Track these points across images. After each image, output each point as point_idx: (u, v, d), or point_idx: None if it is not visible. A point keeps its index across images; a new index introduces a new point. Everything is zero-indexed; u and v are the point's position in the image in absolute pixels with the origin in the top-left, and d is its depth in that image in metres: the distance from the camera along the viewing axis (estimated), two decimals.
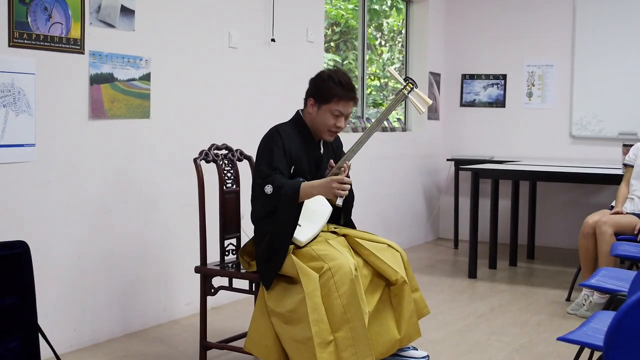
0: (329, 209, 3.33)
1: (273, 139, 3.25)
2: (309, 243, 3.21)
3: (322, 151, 3.41)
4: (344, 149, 3.54)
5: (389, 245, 3.35)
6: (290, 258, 3.09)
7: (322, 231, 3.38)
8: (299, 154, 3.28)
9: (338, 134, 3.46)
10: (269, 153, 3.22)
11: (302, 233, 3.21)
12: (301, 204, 3.16)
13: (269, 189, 3.13)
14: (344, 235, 3.39)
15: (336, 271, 3.02)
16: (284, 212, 3.12)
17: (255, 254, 3.28)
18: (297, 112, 3.42)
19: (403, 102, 7.19)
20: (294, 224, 3.14)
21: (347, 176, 3.27)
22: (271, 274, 3.14)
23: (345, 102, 3.26)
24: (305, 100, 3.35)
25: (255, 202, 3.26)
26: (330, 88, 3.24)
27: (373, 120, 3.35)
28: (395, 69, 7.53)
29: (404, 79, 3.33)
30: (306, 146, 3.33)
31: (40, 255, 3.53)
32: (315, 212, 3.29)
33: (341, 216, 3.51)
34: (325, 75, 3.29)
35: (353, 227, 3.56)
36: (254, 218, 3.29)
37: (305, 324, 2.95)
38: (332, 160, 3.36)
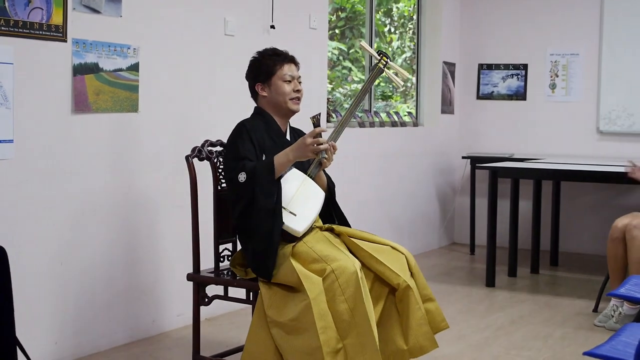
0: (321, 194, 3.38)
1: (238, 132, 3.40)
2: (305, 236, 3.25)
3: (289, 138, 3.52)
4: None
5: (392, 247, 3.34)
6: (290, 264, 3.10)
7: (318, 228, 3.39)
8: (268, 143, 3.41)
9: (300, 129, 3.63)
10: (234, 147, 3.35)
11: (298, 222, 3.25)
12: (279, 182, 3.25)
13: (242, 176, 3.25)
14: (339, 235, 3.40)
15: (340, 273, 3.03)
16: (264, 192, 3.20)
17: (246, 252, 3.32)
18: (255, 107, 3.58)
19: (414, 94, 7.19)
20: (279, 204, 3.22)
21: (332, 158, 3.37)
22: (269, 265, 3.15)
23: (288, 65, 3.49)
24: (253, 92, 3.55)
25: (235, 205, 3.34)
26: (266, 62, 3.48)
27: (350, 106, 3.44)
28: (406, 58, 7.53)
29: (377, 53, 3.52)
30: (274, 135, 3.46)
31: (19, 261, 3.53)
32: (307, 198, 3.34)
33: (332, 210, 3.55)
34: (257, 57, 3.54)
35: (346, 224, 3.57)
36: (235, 223, 3.37)
37: (311, 333, 2.95)
38: (320, 113, 3.47)
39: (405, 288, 3.21)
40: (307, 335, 2.97)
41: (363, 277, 3.09)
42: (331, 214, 3.57)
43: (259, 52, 3.55)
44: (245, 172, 3.23)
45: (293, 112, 3.50)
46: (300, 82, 3.52)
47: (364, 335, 2.98)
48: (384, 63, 3.50)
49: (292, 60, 3.53)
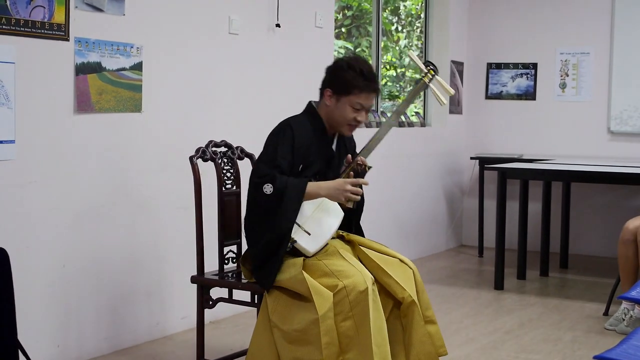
0: (341, 215, 3.32)
1: (282, 133, 3.25)
2: (316, 254, 3.21)
3: (334, 148, 3.41)
4: (356, 150, 3.54)
5: (400, 260, 3.31)
6: (301, 274, 3.07)
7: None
8: (310, 150, 3.28)
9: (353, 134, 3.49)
10: (272, 150, 3.23)
11: (311, 243, 3.19)
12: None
13: (268, 188, 3.13)
14: (350, 242, 3.38)
15: (351, 290, 3.01)
16: (285, 214, 3.12)
17: (250, 257, 3.30)
18: (310, 103, 3.41)
19: (422, 93, 7.18)
20: (292, 225, 3.15)
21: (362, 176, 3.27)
22: (270, 276, 3.14)
23: (367, 94, 3.27)
24: (322, 90, 3.35)
25: (250, 206, 3.28)
26: (350, 78, 3.25)
27: (389, 114, 3.36)
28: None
29: (424, 64, 3.35)
30: (319, 142, 3.32)
31: (21, 264, 3.54)
32: (325, 217, 3.28)
33: (352, 222, 3.49)
34: (344, 64, 3.30)
35: (361, 233, 3.54)
36: (247, 222, 3.32)
37: (315, 347, 2.95)
38: (349, 155, 3.35)
39: (410, 303, 3.18)
40: (310, 349, 2.97)
41: (375, 292, 3.05)
42: (349, 224, 3.49)
43: (350, 60, 3.32)
44: (274, 186, 3.12)
45: (342, 134, 3.37)
46: (368, 112, 3.35)
47: (365, 352, 2.97)
48: (430, 77, 3.35)
49: (374, 91, 3.31)
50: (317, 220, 3.24)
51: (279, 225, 3.13)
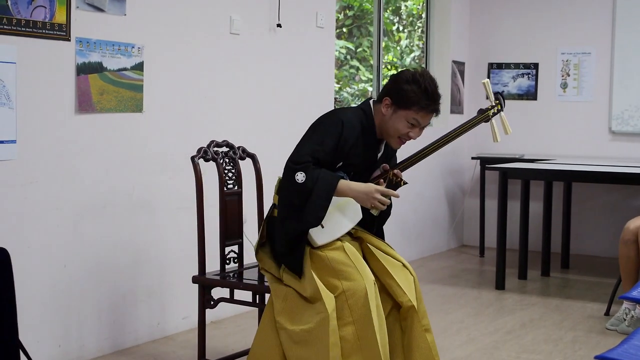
0: (357, 219, 3.29)
1: (332, 126, 3.16)
2: (323, 246, 3.19)
3: (380, 154, 3.35)
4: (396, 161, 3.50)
5: (403, 264, 3.31)
6: (310, 273, 3.07)
7: None
8: (353, 151, 3.20)
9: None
10: (317, 139, 3.14)
11: (321, 236, 3.16)
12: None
13: (300, 176, 3.06)
14: (358, 238, 3.37)
15: (351, 295, 3.00)
16: (313, 207, 3.07)
17: (276, 243, 3.21)
18: (367, 101, 3.32)
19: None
20: (319, 222, 3.09)
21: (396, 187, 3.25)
22: (298, 263, 3.09)
23: (425, 114, 3.23)
24: (381, 97, 3.26)
25: (282, 191, 3.18)
26: (412, 94, 3.19)
27: (440, 137, 3.34)
28: (414, 57, 7.52)
29: (494, 96, 3.30)
30: (365, 144, 3.25)
31: (22, 264, 3.54)
32: (341, 220, 3.24)
33: (374, 225, 3.44)
34: (409, 77, 3.22)
35: (382, 237, 3.49)
36: (278, 204, 3.21)
37: (321, 347, 2.95)
38: (386, 164, 3.32)
39: (410, 307, 3.18)
40: (316, 349, 2.96)
41: (375, 294, 3.04)
42: (371, 227, 3.43)
43: (416, 74, 3.23)
44: (306, 176, 3.05)
45: (390, 145, 3.31)
46: (422, 130, 3.30)
47: (371, 357, 2.97)
48: (496, 112, 3.30)
49: (434, 112, 3.26)
50: (333, 217, 3.20)
51: (305, 219, 3.07)
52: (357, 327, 2.99)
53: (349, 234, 3.38)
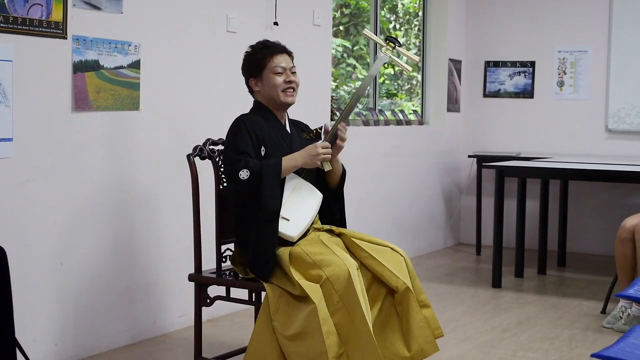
0: (318, 195, 3.40)
1: (236, 127, 3.40)
2: (300, 240, 3.25)
3: (289, 130, 3.53)
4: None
5: (391, 248, 3.34)
6: (290, 273, 3.10)
7: (316, 229, 3.38)
8: (267, 136, 3.40)
9: (306, 124, 3.65)
10: (233, 141, 3.35)
11: (291, 227, 3.26)
12: (283, 182, 3.30)
13: (244, 173, 3.24)
14: (339, 235, 3.40)
15: (335, 280, 3.04)
16: (272, 194, 3.21)
17: (244, 251, 3.34)
18: (254, 100, 3.57)
19: (414, 91, 7.18)
20: (280, 202, 3.25)
21: (343, 138, 3.43)
22: (269, 267, 3.20)
23: (278, 56, 3.48)
24: (249, 87, 3.55)
25: (235, 202, 3.38)
26: (257, 56, 3.48)
27: (359, 83, 3.49)
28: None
29: (384, 40, 3.52)
30: (273, 128, 3.46)
31: (18, 261, 3.54)
32: (301, 201, 3.34)
33: (333, 206, 3.56)
34: (248, 52, 3.54)
35: (343, 220, 3.60)
36: (235, 218, 3.39)
37: (316, 338, 2.96)
38: (326, 124, 3.49)
39: (405, 290, 3.21)
40: (312, 340, 2.98)
41: (358, 277, 3.08)
42: (332, 209, 3.56)
43: (251, 46, 3.55)
44: (249, 170, 3.22)
45: (287, 104, 3.49)
46: (294, 73, 3.51)
47: (364, 338, 2.99)
48: (391, 49, 3.51)
49: (283, 50, 3.52)
50: (293, 205, 3.31)
51: (266, 207, 3.20)
52: (348, 310, 3.01)
53: (329, 231, 3.41)
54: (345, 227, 3.56)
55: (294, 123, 3.62)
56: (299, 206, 3.32)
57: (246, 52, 3.55)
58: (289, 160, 3.30)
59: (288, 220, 3.26)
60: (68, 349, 3.89)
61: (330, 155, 3.32)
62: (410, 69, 3.58)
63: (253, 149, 3.34)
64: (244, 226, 3.31)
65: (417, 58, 3.61)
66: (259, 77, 3.47)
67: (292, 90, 3.47)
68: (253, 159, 3.28)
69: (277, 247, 3.24)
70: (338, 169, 3.52)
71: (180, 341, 4.27)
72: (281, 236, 3.23)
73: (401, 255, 3.33)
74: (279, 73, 3.44)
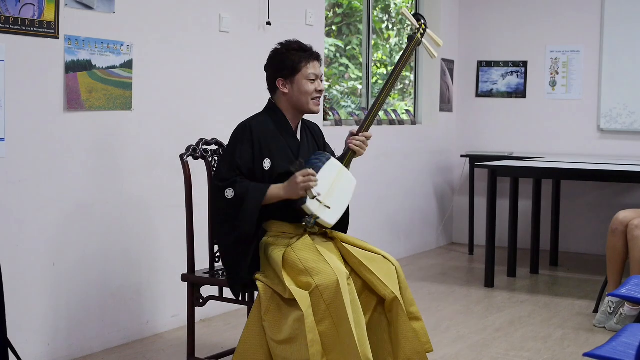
0: (354, 182, 3.40)
1: (240, 134, 3.33)
2: (295, 243, 3.25)
3: (299, 137, 3.47)
4: (326, 139, 3.64)
5: (383, 257, 3.33)
6: (282, 277, 3.10)
7: (311, 233, 3.37)
8: (275, 145, 3.34)
9: (318, 126, 3.61)
10: (231, 152, 3.30)
11: (331, 215, 3.26)
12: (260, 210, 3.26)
13: (229, 192, 3.22)
14: (333, 239, 3.40)
15: (324, 289, 3.04)
16: (246, 218, 3.20)
17: (221, 259, 3.39)
18: (269, 102, 3.48)
19: (407, 91, 7.18)
20: (254, 228, 3.23)
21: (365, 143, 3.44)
22: (237, 284, 3.28)
23: (313, 63, 3.39)
24: (273, 86, 3.43)
25: (214, 209, 3.37)
26: (292, 57, 3.37)
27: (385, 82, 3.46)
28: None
29: (415, 18, 3.46)
30: (283, 135, 3.39)
31: (10, 262, 3.53)
32: (342, 189, 3.35)
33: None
34: (281, 49, 3.41)
35: (346, 224, 3.57)
36: (212, 223, 3.42)
37: (301, 345, 2.97)
38: (352, 131, 3.47)
39: (393, 299, 3.21)
40: (296, 347, 2.99)
41: (347, 286, 3.07)
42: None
43: (282, 45, 3.42)
44: (235, 192, 3.21)
45: (313, 113, 3.42)
46: (322, 81, 3.44)
47: (347, 349, 2.99)
48: (423, 31, 3.47)
49: (317, 57, 3.42)
50: (335, 194, 3.30)
51: (242, 230, 3.21)
52: (334, 319, 3.01)
53: (323, 235, 3.40)
54: (345, 231, 3.54)
55: (307, 126, 3.53)
56: (339, 194, 3.32)
57: (277, 50, 3.42)
58: (274, 191, 3.24)
59: (329, 208, 3.25)
60: (60, 349, 3.88)
61: (313, 184, 3.20)
62: (436, 54, 3.55)
63: (250, 163, 3.27)
64: (221, 235, 3.32)
65: (441, 42, 3.59)
66: (290, 79, 3.36)
67: (319, 99, 3.42)
68: (241, 181, 3.23)
69: (275, 244, 3.26)
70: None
71: (173, 341, 4.27)
72: (320, 222, 3.23)
73: (393, 265, 3.31)
74: (312, 80, 3.36)
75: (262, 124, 3.36)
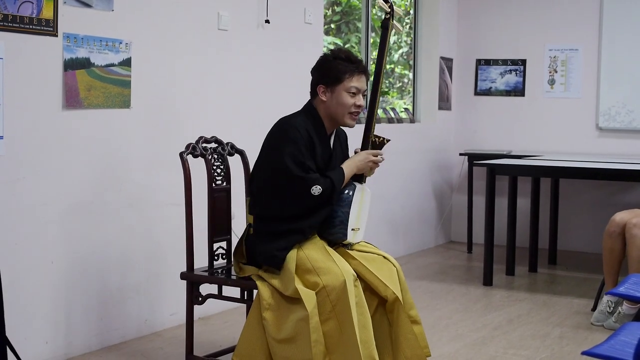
0: (370, 193, 3.51)
1: (292, 133, 3.24)
2: (305, 246, 3.25)
3: (332, 148, 3.42)
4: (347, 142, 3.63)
5: (384, 257, 3.34)
6: (292, 274, 3.10)
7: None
8: (315, 151, 3.30)
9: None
10: (292, 149, 3.20)
11: (361, 234, 3.43)
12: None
13: (316, 190, 3.19)
14: None
15: (331, 289, 3.05)
16: (331, 207, 3.29)
17: (256, 244, 3.31)
18: (309, 102, 3.42)
19: (406, 89, 7.19)
20: (326, 214, 3.31)
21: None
22: (283, 253, 3.20)
23: (358, 77, 3.33)
24: (314, 90, 3.36)
25: (267, 199, 3.27)
26: (339, 66, 3.31)
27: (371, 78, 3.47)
28: (402, 53, 7.53)
29: (385, 3, 3.49)
30: (319, 141, 3.33)
31: (9, 260, 3.53)
32: (366, 207, 3.45)
33: None
34: (329, 56, 3.36)
35: None
36: (263, 216, 3.31)
37: (304, 345, 2.98)
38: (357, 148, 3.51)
39: (394, 300, 3.22)
40: (299, 346, 3.00)
41: (354, 288, 3.08)
42: None
43: (333, 52, 3.37)
44: (321, 187, 3.19)
45: (348, 127, 3.40)
46: (364, 96, 3.41)
47: (350, 350, 2.99)
48: (391, 13, 3.48)
49: (364, 71, 3.36)
50: (361, 214, 3.42)
51: (317, 216, 3.27)
52: (338, 320, 3.01)
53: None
54: None
55: (339, 135, 3.51)
56: (364, 212, 3.43)
57: (326, 55, 3.38)
58: (350, 168, 3.36)
59: (358, 229, 3.39)
60: (59, 347, 3.88)
61: (379, 165, 3.41)
62: (401, 29, 3.61)
63: (312, 161, 3.26)
64: (268, 229, 3.28)
65: (400, 11, 3.62)
66: (331, 88, 3.31)
67: (357, 114, 3.37)
68: (318, 176, 3.23)
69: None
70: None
71: (171, 339, 4.27)
72: (345, 242, 3.35)
73: (393, 265, 3.32)
74: (353, 94, 3.31)
75: (304, 127, 3.29)
